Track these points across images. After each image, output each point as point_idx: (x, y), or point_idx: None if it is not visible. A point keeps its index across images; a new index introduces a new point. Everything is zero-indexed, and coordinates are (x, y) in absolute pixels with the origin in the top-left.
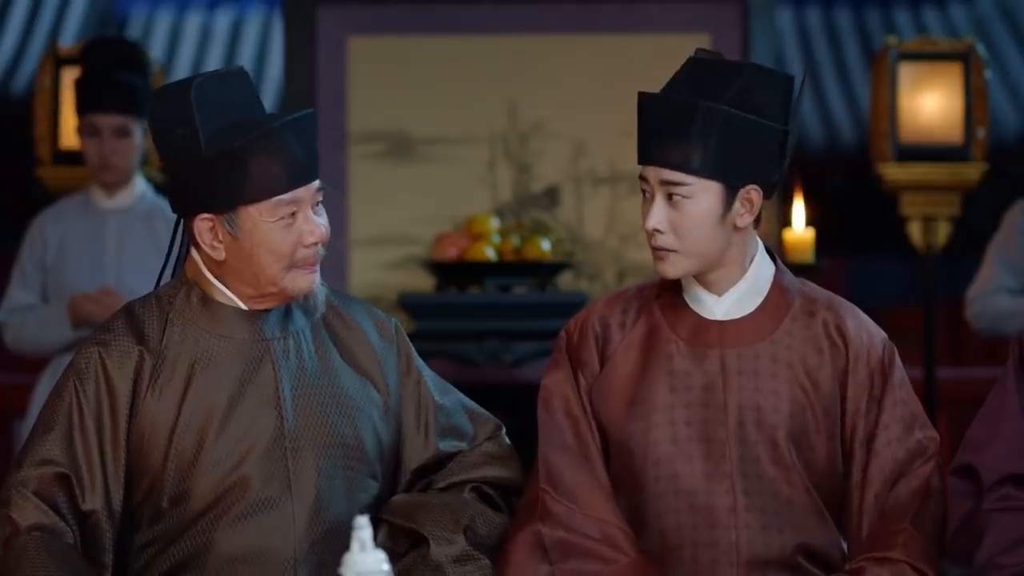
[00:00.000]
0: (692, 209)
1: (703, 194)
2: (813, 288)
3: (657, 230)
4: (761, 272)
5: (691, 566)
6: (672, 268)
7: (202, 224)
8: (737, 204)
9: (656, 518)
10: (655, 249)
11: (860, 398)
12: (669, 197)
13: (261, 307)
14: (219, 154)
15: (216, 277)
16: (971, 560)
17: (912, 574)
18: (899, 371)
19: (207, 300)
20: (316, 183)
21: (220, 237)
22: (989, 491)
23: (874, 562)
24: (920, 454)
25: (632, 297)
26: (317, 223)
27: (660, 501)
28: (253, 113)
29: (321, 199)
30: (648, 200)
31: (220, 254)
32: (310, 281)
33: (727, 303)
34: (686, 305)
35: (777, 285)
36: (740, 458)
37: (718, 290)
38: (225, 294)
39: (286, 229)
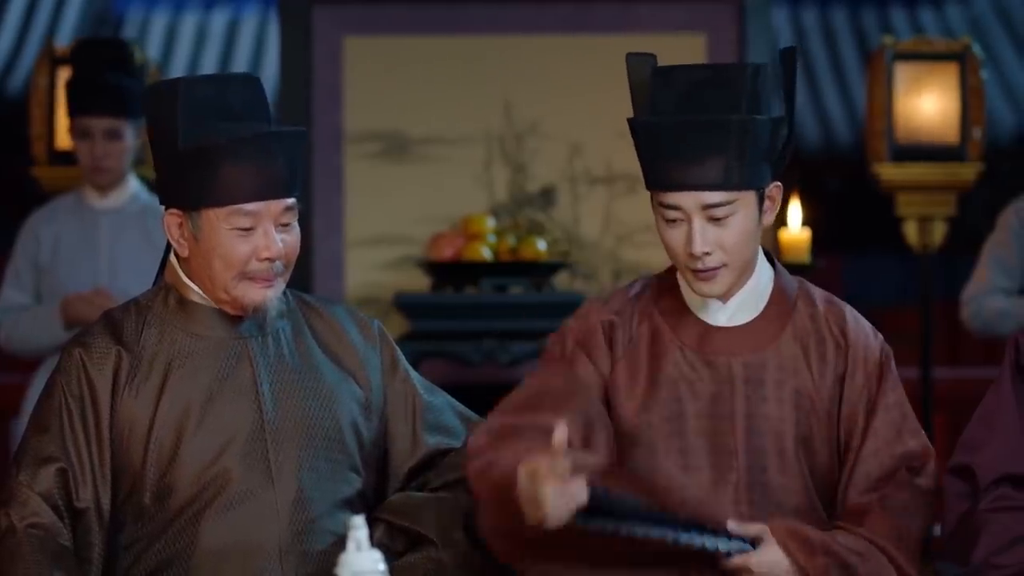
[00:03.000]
0: (737, 223)
1: (744, 206)
2: (810, 287)
3: (707, 252)
4: (762, 275)
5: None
6: (720, 286)
7: (171, 219)
8: (765, 204)
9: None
10: (702, 271)
11: (857, 403)
12: (711, 218)
13: (231, 312)
14: (191, 152)
15: (188, 277)
16: (968, 560)
17: (871, 548)
18: (893, 376)
19: (184, 302)
20: (288, 201)
21: (185, 234)
22: (985, 491)
23: (837, 531)
24: (910, 460)
25: (629, 300)
26: (275, 239)
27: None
28: (248, 121)
29: (290, 220)
30: (680, 224)
31: (184, 251)
32: (262, 295)
33: (731, 309)
34: (688, 310)
35: (777, 288)
36: (748, 468)
37: (725, 297)
38: (200, 295)
39: (241, 239)
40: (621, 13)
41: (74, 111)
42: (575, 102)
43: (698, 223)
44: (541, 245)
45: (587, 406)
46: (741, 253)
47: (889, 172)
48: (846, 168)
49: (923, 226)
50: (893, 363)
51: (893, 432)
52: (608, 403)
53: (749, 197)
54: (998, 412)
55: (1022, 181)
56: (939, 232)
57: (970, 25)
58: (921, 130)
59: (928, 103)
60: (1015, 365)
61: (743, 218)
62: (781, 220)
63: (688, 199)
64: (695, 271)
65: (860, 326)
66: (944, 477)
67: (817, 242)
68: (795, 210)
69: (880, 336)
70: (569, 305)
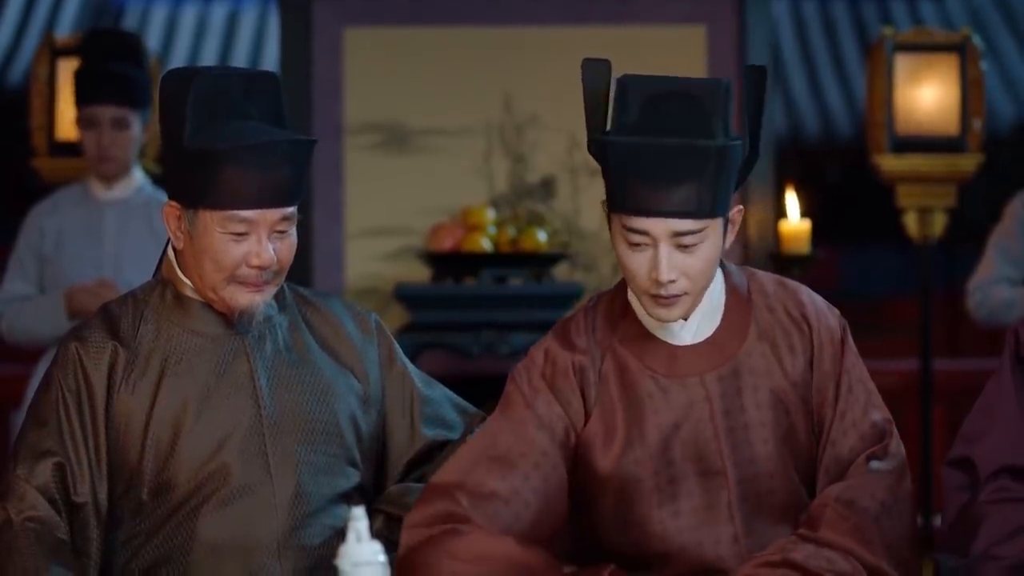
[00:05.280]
0: (704, 251)
1: (712, 233)
2: (759, 276)
3: (672, 280)
4: (715, 284)
5: None
6: (680, 311)
7: (170, 211)
8: (728, 229)
9: (660, 557)
10: (664, 297)
11: (826, 388)
12: (679, 245)
13: (221, 310)
14: (196, 151)
15: (182, 271)
16: (968, 551)
17: (831, 552)
18: (853, 351)
19: (180, 298)
20: (287, 210)
21: (182, 228)
22: (985, 483)
23: (797, 540)
24: (876, 439)
25: (583, 332)
26: (267, 248)
27: (663, 542)
28: (259, 123)
29: (286, 228)
30: (644, 249)
31: (180, 243)
32: (249, 300)
33: (693, 326)
34: (650, 334)
35: (730, 289)
36: (738, 481)
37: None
38: (194, 290)
39: (234, 244)
40: (621, 5)
41: (81, 100)
42: (575, 93)
43: (665, 250)
44: (541, 236)
45: (541, 469)
46: (704, 280)
47: (889, 163)
48: (846, 159)
49: (923, 217)
50: (850, 335)
51: (859, 411)
52: (576, 449)
53: (717, 224)
54: (998, 403)
55: (1022, 172)
56: (939, 223)
57: (970, 16)
58: (921, 121)
59: (928, 94)
60: (1015, 356)
61: (710, 246)
62: (781, 211)
63: (658, 226)
64: (655, 296)
65: (817, 305)
66: (943, 469)
67: (817, 233)
68: (794, 201)
69: (836, 310)
70: (569, 296)
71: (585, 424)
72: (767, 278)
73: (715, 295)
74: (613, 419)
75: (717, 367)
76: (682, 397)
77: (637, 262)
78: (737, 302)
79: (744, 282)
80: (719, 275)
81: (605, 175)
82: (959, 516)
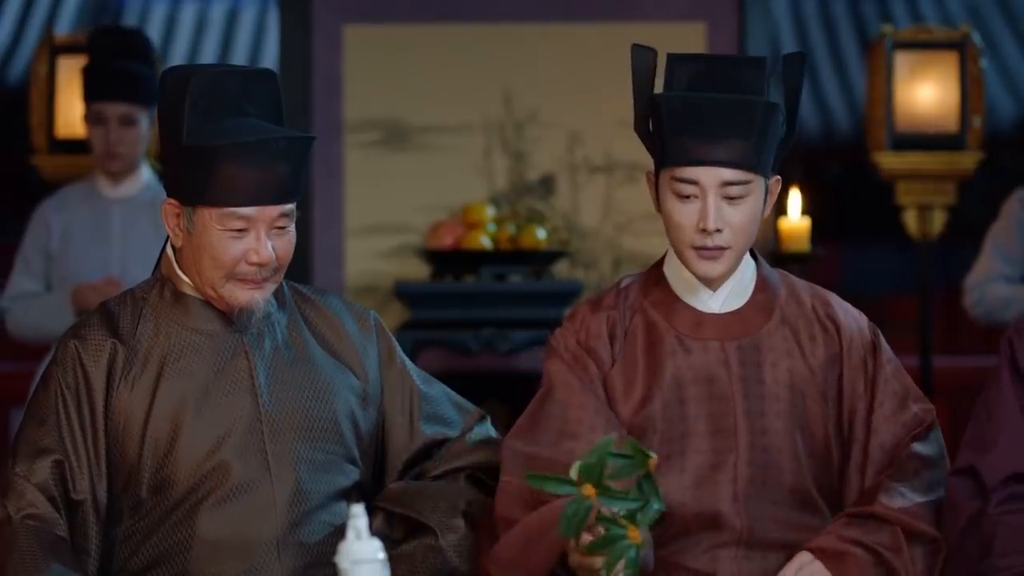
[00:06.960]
0: (748, 206)
1: (756, 190)
2: (792, 277)
3: (718, 230)
4: (747, 264)
5: (694, 551)
6: (723, 266)
7: (169, 208)
8: (767, 196)
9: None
10: (709, 249)
11: (856, 381)
12: (726, 196)
13: (220, 308)
14: (194, 149)
15: (181, 269)
16: (980, 562)
17: (885, 527)
18: (887, 350)
19: (179, 295)
20: (285, 207)
21: (181, 225)
22: (993, 493)
23: (851, 518)
24: (917, 426)
25: (616, 298)
26: (265, 245)
27: (669, 497)
28: (256, 120)
29: (285, 224)
30: (693, 201)
31: (178, 240)
32: (249, 297)
33: (722, 297)
34: (680, 300)
35: (761, 277)
36: (749, 446)
37: (715, 285)
38: (193, 287)
39: (233, 241)
40: (622, 2)
41: (89, 97)
42: (575, 90)
43: (713, 199)
44: (541, 234)
45: (598, 430)
46: (745, 237)
47: (889, 161)
48: (846, 157)
49: (922, 215)
50: (882, 337)
51: (898, 403)
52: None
53: (760, 183)
54: (1000, 413)
55: (1022, 170)
56: (938, 221)
57: (970, 14)
58: (921, 119)
59: (928, 92)
60: (1012, 364)
61: (753, 202)
62: (781, 209)
63: (708, 175)
64: (700, 249)
65: (845, 308)
66: (950, 479)
67: (817, 231)
68: (795, 199)
69: (864, 315)
70: (568, 294)
71: (609, 371)
72: (800, 281)
73: (747, 274)
74: (634, 373)
75: (739, 338)
76: (703, 357)
77: (685, 214)
78: (765, 289)
79: (775, 277)
80: (752, 263)
81: (656, 136)
82: (969, 528)
